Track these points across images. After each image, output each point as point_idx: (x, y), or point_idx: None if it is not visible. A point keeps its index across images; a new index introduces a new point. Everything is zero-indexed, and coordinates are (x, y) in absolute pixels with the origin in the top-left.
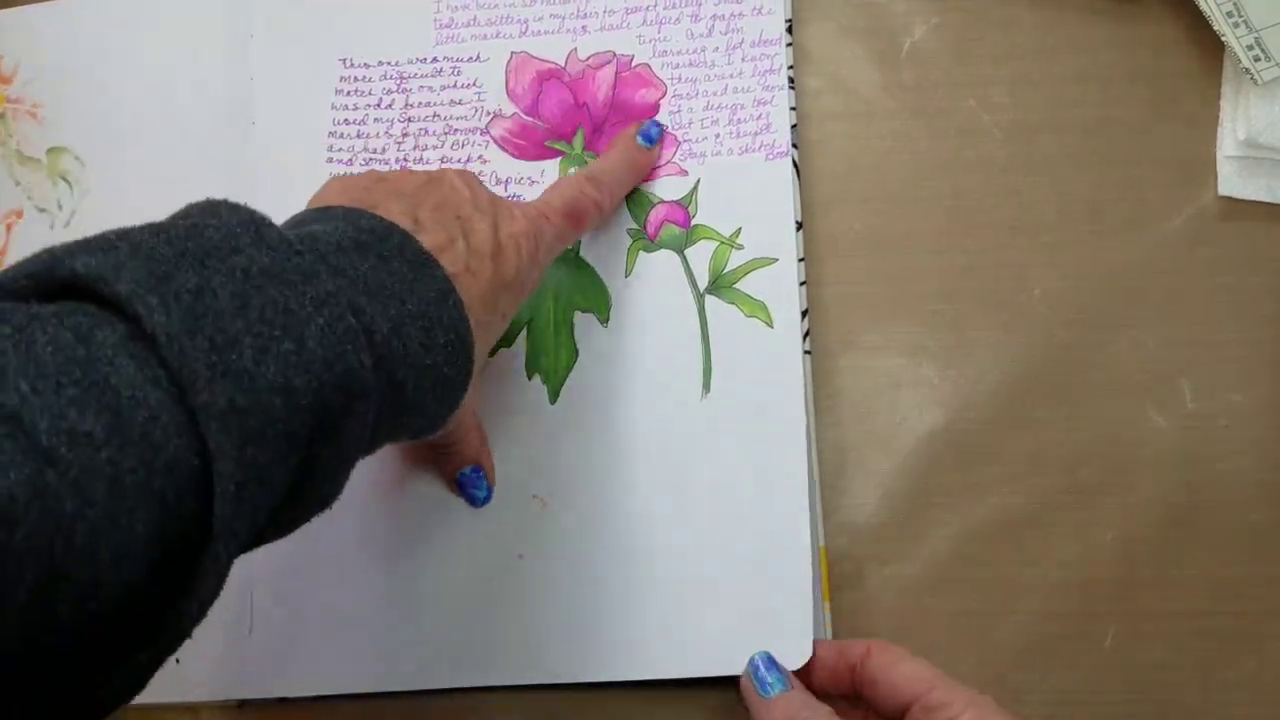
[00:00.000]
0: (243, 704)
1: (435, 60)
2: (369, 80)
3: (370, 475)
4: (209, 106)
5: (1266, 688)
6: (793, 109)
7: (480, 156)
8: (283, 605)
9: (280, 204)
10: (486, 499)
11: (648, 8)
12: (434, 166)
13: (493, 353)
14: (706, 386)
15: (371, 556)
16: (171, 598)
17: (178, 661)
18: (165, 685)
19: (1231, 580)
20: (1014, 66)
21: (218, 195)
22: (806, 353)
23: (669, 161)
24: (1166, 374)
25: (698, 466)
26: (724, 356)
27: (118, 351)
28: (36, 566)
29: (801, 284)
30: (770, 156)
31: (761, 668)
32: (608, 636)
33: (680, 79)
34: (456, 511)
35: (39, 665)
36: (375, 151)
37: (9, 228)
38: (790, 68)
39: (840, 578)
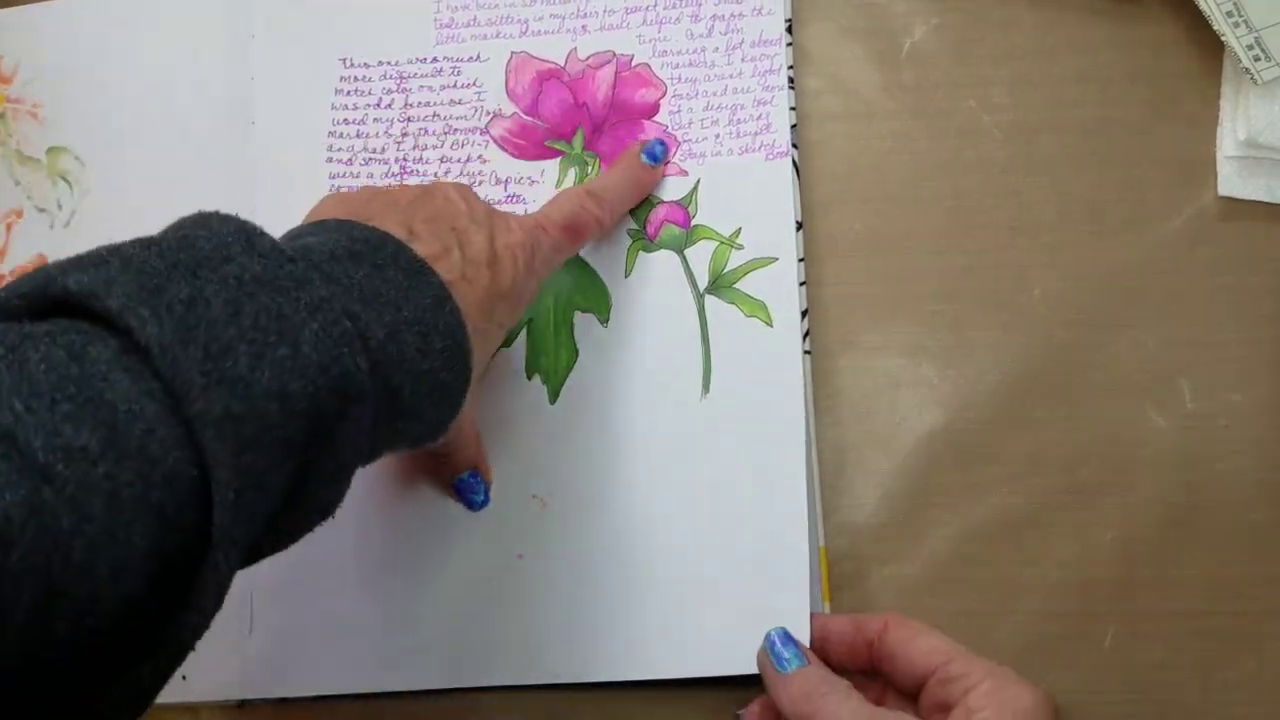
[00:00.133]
0: (243, 704)
1: (435, 60)
2: (369, 80)
3: (370, 476)
4: (209, 106)
5: (1266, 688)
6: (792, 109)
7: (480, 156)
8: (283, 605)
9: (280, 203)
10: (484, 503)
11: (648, 8)
12: (434, 166)
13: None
14: (706, 386)
15: (371, 557)
16: (171, 610)
17: (184, 678)
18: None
19: (1231, 580)
20: (1014, 67)
21: (218, 195)
22: (806, 353)
23: (669, 162)
24: (1166, 374)
25: (697, 466)
26: (724, 356)
27: (111, 366)
28: (34, 585)
29: (801, 284)
30: (770, 157)
31: (778, 643)
32: (607, 636)
33: (680, 79)
34: (456, 512)
35: (39, 681)
36: (375, 151)
37: (9, 228)
38: (790, 68)
39: (840, 578)
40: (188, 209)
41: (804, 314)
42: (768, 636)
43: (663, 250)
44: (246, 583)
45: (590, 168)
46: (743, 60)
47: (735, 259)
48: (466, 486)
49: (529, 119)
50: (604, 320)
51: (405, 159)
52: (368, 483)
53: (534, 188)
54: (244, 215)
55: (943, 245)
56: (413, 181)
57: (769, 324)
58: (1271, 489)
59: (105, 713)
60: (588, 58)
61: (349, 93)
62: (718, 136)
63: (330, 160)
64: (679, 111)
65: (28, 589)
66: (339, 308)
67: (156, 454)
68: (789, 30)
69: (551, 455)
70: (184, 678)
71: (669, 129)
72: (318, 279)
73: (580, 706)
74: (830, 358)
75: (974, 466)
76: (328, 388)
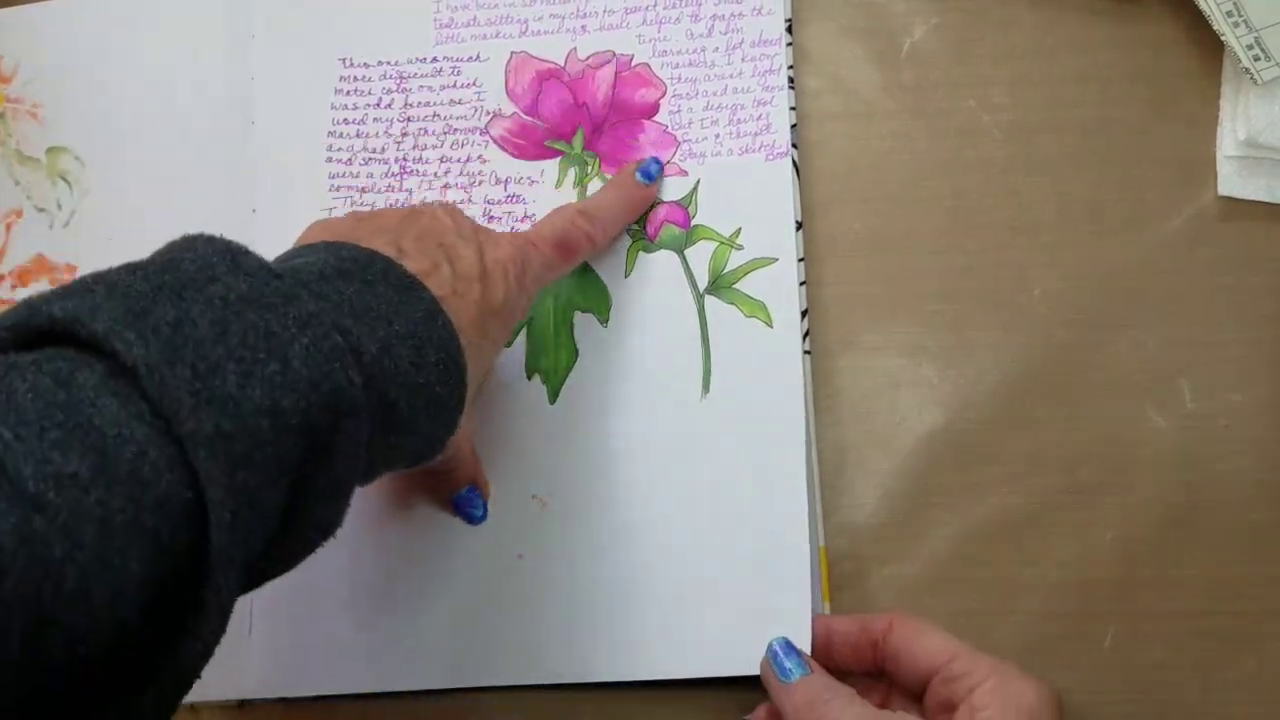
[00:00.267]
0: (243, 704)
1: (435, 60)
2: (369, 80)
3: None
4: (209, 106)
5: (1266, 688)
6: (792, 109)
7: (480, 156)
8: (282, 605)
9: (280, 203)
10: (483, 517)
11: (647, 8)
12: (434, 166)
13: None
14: (706, 387)
15: (371, 557)
16: (172, 637)
17: (193, 708)
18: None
19: (1231, 580)
20: (1014, 66)
21: (218, 195)
22: (806, 353)
23: (669, 162)
24: (1166, 374)
25: (698, 467)
26: (724, 357)
27: (99, 391)
28: (27, 614)
29: (801, 284)
30: (770, 157)
31: (781, 654)
32: (608, 636)
33: (680, 79)
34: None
35: (38, 711)
36: (375, 151)
37: (9, 227)
38: (790, 68)
39: (840, 578)
40: (188, 209)
41: (804, 314)
42: (770, 647)
43: (663, 250)
44: None
45: (590, 168)
46: (743, 60)
47: (735, 259)
48: (465, 501)
49: (529, 119)
50: (604, 320)
51: (405, 159)
52: (368, 486)
53: (534, 188)
54: (244, 215)
55: (943, 245)
56: (412, 181)
57: (769, 324)
58: (1271, 489)
59: None
60: (588, 58)
61: (349, 92)
62: (718, 136)
63: (330, 160)
64: (679, 111)
65: (20, 617)
66: (329, 322)
67: (148, 477)
68: (789, 30)
69: (551, 455)
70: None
71: (669, 129)
72: (306, 295)
73: (580, 706)
74: (830, 358)
75: (974, 466)
76: (320, 403)
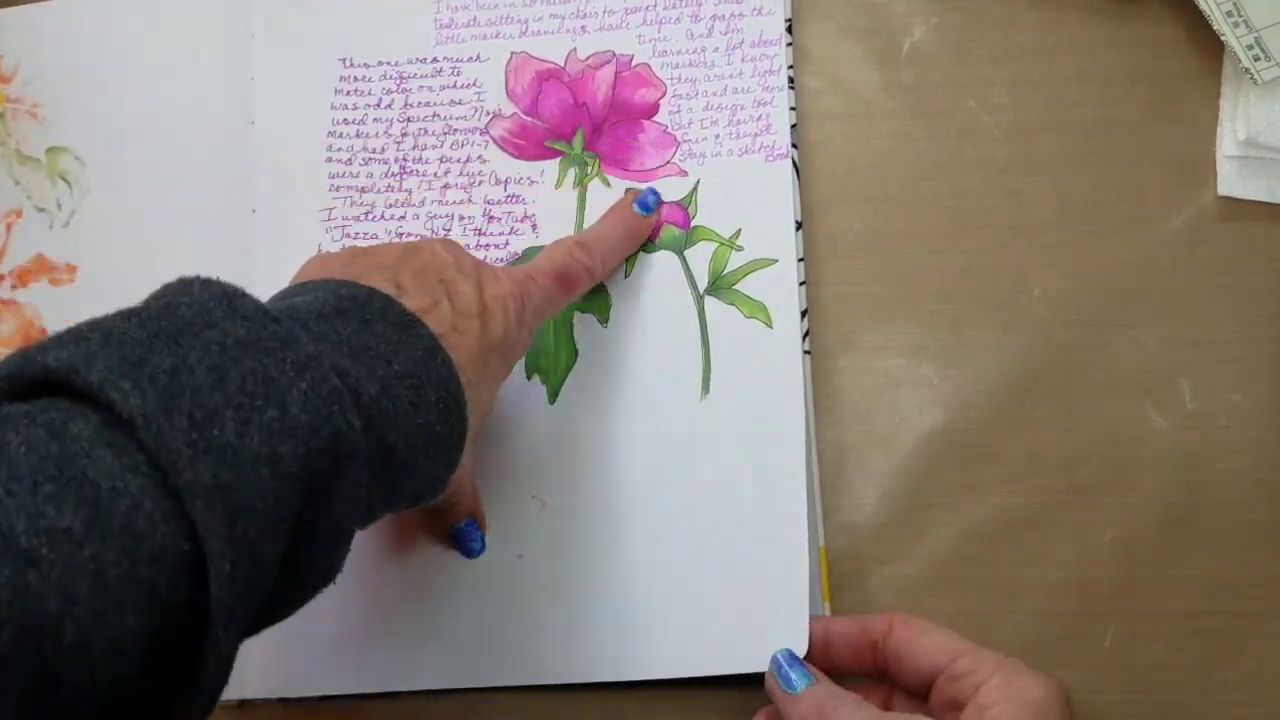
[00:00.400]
0: (243, 704)
1: (435, 60)
2: (369, 80)
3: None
4: (209, 106)
5: (1266, 688)
6: (792, 109)
7: (480, 156)
8: None
9: (280, 203)
10: (481, 550)
11: (647, 8)
12: (433, 166)
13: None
14: (706, 387)
15: (371, 557)
16: (172, 690)
17: None
18: None
19: (1231, 580)
20: (1014, 66)
21: (218, 195)
22: (806, 353)
23: (669, 162)
24: (1166, 374)
25: (697, 467)
26: (723, 358)
27: (94, 443)
28: (24, 670)
29: (801, 284)
30: (770, 158)
31: (784, 665)
32: (608, 636)
33: (680, 79)
34: None
35: None
36: (375, 151)
37: (9, 227)
38: (790, 68)
39: (840, 578)
40: (188, 209)
41: (804, 314)
42: (774, 659)
43: (662, 251)
44: None
45: (590, 168)
46: (743, 60)
47: (735, 260)
48: (464, 535)
49: (529, 119)
50: (604, 321)
51: (405, 159)
52: None
53: (534, 188)
54: (243, 215)
55: (943, 245)
56: (412, 181)
57: (769, 325)
58: (1271, 489)
59: None
60: (587, 58)
61: (349, 93)
62: (717, 137)
63: (330, 160)
64: (679, 111)
65: (17, 674)
66: (327, 365)
67: (143, 530)
68: (789, 30)
69: (551, 455)
70: None
71: (669, 129)
72: (305, 337)
73: (580, 706)
74: (830, 358)
75: (974, 466)
76: (319, 448)
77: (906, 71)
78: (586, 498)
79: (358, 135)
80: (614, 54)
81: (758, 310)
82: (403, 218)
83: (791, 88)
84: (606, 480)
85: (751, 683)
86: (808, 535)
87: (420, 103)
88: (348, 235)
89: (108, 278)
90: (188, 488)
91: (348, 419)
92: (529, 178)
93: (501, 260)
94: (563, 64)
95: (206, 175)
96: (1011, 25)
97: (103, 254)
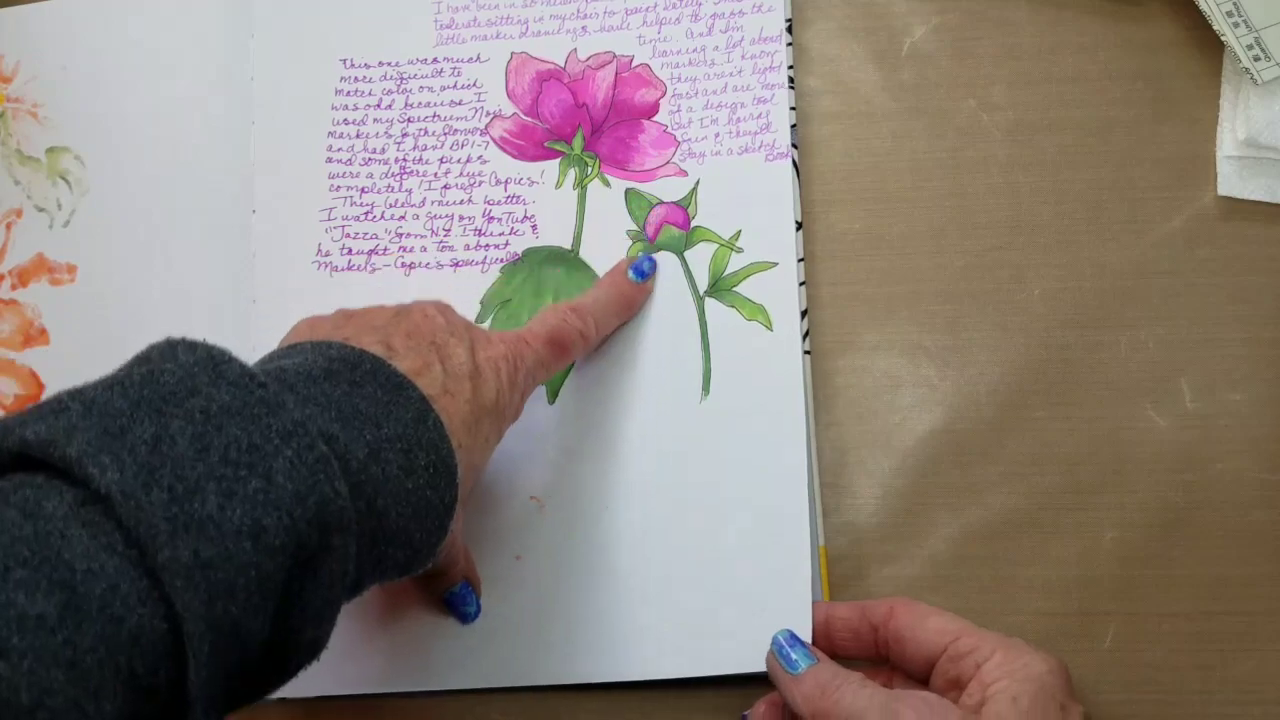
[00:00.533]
0: None
1: (435, 61)
2: (369, 80)
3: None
4: (209, 106)
5: (1266, 688)
6: (792, 109)
7: (480, 157)
8: None
9: (280, 203)
10: (476, 614)
11: (648, 8)
12: (434, 166)
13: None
14: (706, 389)
15: None
16: None
17: None
18: None
19: (1231, 580)
20: (1014, 66)
21: (217, 195)
22: (806, 353)
23: (669, 162)
24: (1166, 374)
25: (697, 468)
26: (724, 359)
27: (68, 522)
28: None
29: (801, 284)
30: (770, 157)
31: (786, 645)
32: (607, 637)
33: (680, 78)
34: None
35: None
36: (375, 151)
37: (9, 227)
38: (790, 67)
39: (840, 578)
40: (187, 209)
41: (804, 314)
42: (775, 640)
43: (662, 252)
44: None
45: (590, 168)
46: (742, 58)
47: (735, 262)
48: (459, 599)
49: (529, 119)
50: None
51: (405, 159)
52: None
53: (534, 188)
54: (243, 215)
55: (943, 245)
56: (412, 181)
57: (769, 327)
58: (1272, 489)
59: None
60: (588, 58)
61: (349, 93)
62: (717, 135)
63: (330, 160)
64: (679, 111)
65: None
66: (314, 430)
67: (119, 613)
68: (789, 30)
69: (550, 456)
70: None
71: (668, 129)
72: (291, 402)
73: (580, 707)
74: (830, 358)
75: (974, 466)
76: (305, 519)
77: (906, 71)
78: (585, 499)
79: (358, 135)
80: (614, 54)
81: (758, 313)
82: (403, 218)
83: (791, 87)
84: (606, 481)
85: (752, 683)
86: (808, 535)
87: (420, 103)
88: (347, 235)
89: (108, 278)
90: (166, 567)
91: (335, 486)
92: (529, 178)
93: (502, 260)
94: (563, 64)
95: (206, 175)
96: (1011, 25)
97: (103, 254)
